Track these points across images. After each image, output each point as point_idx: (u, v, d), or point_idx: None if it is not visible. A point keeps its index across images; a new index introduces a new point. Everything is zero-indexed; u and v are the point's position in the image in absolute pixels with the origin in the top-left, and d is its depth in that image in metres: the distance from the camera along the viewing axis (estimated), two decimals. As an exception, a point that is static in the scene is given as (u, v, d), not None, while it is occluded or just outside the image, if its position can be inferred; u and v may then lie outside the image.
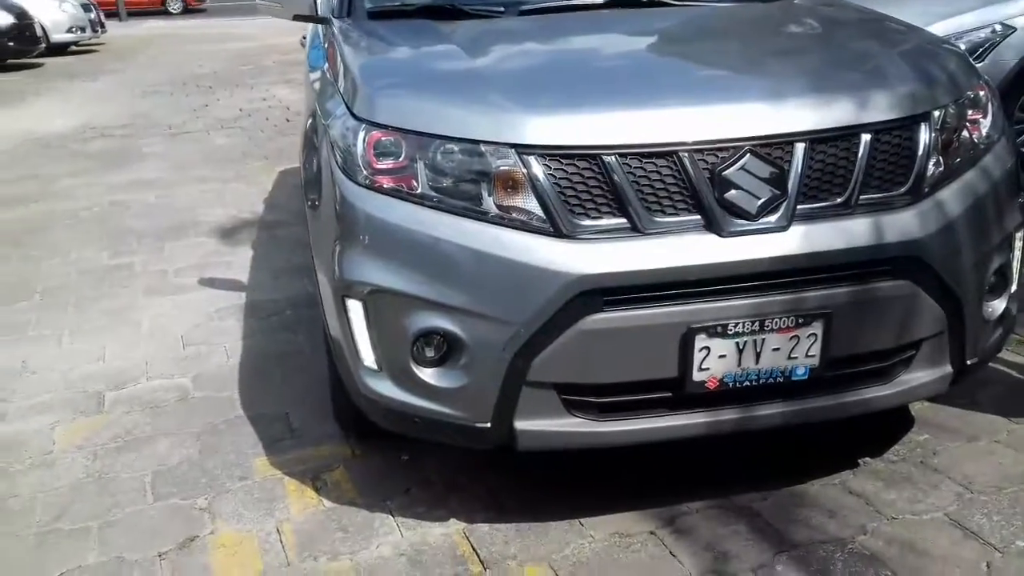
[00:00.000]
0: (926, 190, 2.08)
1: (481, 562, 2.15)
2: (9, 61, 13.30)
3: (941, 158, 2.12)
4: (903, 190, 2.06)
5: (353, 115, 2.16)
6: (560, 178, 1.95)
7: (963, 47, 5.09)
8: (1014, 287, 2.35)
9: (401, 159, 2.06)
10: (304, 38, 4.20)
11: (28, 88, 11.26)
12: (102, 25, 16.37)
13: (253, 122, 8.38)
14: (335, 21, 2.87)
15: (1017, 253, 2.34)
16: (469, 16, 2.77)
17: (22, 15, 13.46)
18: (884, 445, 2.53)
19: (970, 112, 2.25)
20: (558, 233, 1.94)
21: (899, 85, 2.12)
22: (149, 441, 2.77)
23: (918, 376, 2.18)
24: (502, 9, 2.80)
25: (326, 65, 2.74)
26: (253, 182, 6.08)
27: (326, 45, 2.84)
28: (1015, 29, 5.06)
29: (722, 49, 2.52)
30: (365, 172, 2.08)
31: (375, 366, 2.13)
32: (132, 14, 22.67)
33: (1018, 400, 2.71)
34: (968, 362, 2.22)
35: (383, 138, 2.08)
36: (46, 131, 8.21)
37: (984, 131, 2.26)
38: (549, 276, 1.92)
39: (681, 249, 1.94)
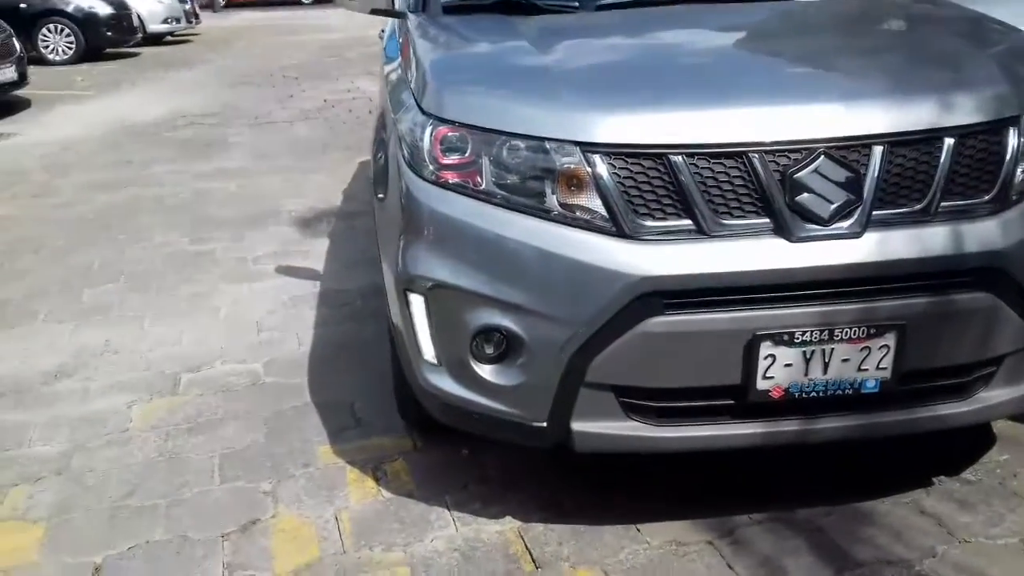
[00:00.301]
0: (1013, 198, 1.98)
1: (533, 561, 2.14)
2: (107, 50, 13.84)
3: (1029, 164, 2.02)
4: (988, 198, 1.97)
5: (421, 110, 2.17)
6: (624, 177, 1.92)
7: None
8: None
9: (467, 155, 2.06)
10: (382, 32, 4.24)
11: (124, 77, 11.70)
12: (196, 16, 16.90)
13: (336, 113, 8.52)
14: (410, 16, 2.89)
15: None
16: (543, 11, 2.75)
17: (120, 5, 13.99)
18: (962, 463, 2.43)
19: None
20: (621, 233, 1.91)
21: (987, 87, 2.03)
22: (219, 424, 2.84)
23: (999, 394, 2.08)
24: (576, 4, 2.77)
25: (399, 59, 2.76)
26: (333, 173, 6.18)
27: (400, 39, 2.86)
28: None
29: (800, 46, 2.45)
30: (431, 167, 2.09)
31: (435, 360, 2.14)
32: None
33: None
34: (1054, 381, 2.11)
35: (449, 133, 2.08)
36: (139, 119, 8.52)
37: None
38: (610, 277, 1.89)
39: (748, 253, 1.89)
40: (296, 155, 6.80)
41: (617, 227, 1.92)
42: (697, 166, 1.90)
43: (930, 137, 1.93)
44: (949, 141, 1.94)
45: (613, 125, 1.94)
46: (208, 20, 19.09)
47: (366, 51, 12.84)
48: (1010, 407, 2.12)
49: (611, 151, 1.92)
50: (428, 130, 2.11)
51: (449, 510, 2.35)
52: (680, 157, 1.90)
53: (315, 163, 6.52)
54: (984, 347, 2.01)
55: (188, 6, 16.24)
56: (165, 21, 15.47)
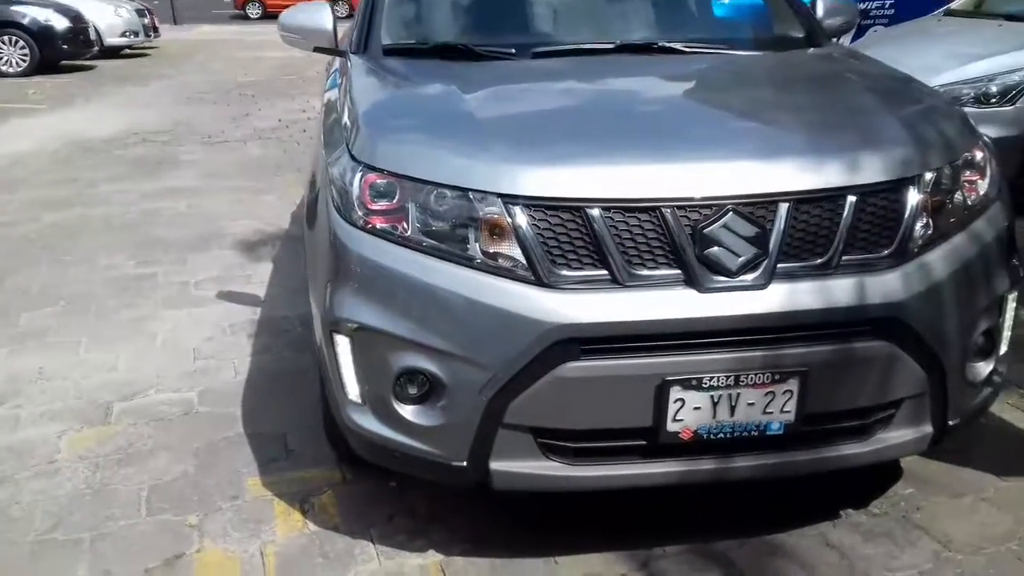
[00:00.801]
0: (913, 252, 2.09)
1: (455, 595, 2.20)
2: (63, 63, 13.69)
3: (931, 220, 2.13)
4: (887, 252, 2.07)
5: (352, 155, 2.23)
6: (544, 228, 2.00)
7: (994, 89, 5.09)
8: (1004, 349, 2.35)
9: (395, 201, 2.12)
10: (328, 66, 4.31)
11: (79, 91, 11.58)
12: (155, 29, 16.78)
13: (290, 133, 8.53)
14: (352, 56, 2.95)
15: (1008, 315, 2.33)
16: (482, 57, 2.83)
17: (77, 18, 13.86)
18: (868, 497, 2.53)
19: (966, 173, 2.26)
20: (539, 282, 1.99)
21: (891, 147, 2.14)
22: (149, 455, 2.85)
23: (897, 435, 2.19)
24: (513, 51, 2.84)
25: (337, 98, 2.82)
26: (283, 195, 6.19)
27: (340, 79, 2.92)
28: (1034, 78, 5.03)
29: (716, 103, 2.55)
30: (359, 212, 2.15)
31: (359, 400, 2.19)
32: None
33: (1009, 458, 2.69)
34: (950, 423, 2.22)
35: (378, 180, 2.14)
36: (92, 135, 8.45)
37: (980, 192, 2.26)
38: (529, 323, 1.96)
39: (659, 302, 1.98)
40: (247, 175, 6.80)
41: (536, 276, 1.99)
42: (612, 219, 1.98)
43: (834, 195, 2.04)
44: (852, 199, 2.04)
45: (533, 178, 2.01)
46: (168, 33, 18.96)
47: (321, 70, 12.84)
48: (908, 448, 2.23)
49: (531, 203, 2.00)
50: (358, 176, 2.17)
51: (374, 543, 2.40)
52: (596, 210, 1.98)
53: (266, 184, 6.53)
54: (883, 392, 2.12)
55: (147, 20, 16.12)
56: (123, 34, 15.34)
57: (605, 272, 1.99)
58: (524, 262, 2.00)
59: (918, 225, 2.10)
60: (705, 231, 1.98)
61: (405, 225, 2.10)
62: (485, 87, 2.55)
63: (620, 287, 1.98)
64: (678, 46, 2.91)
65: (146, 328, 3.88)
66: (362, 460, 2.60)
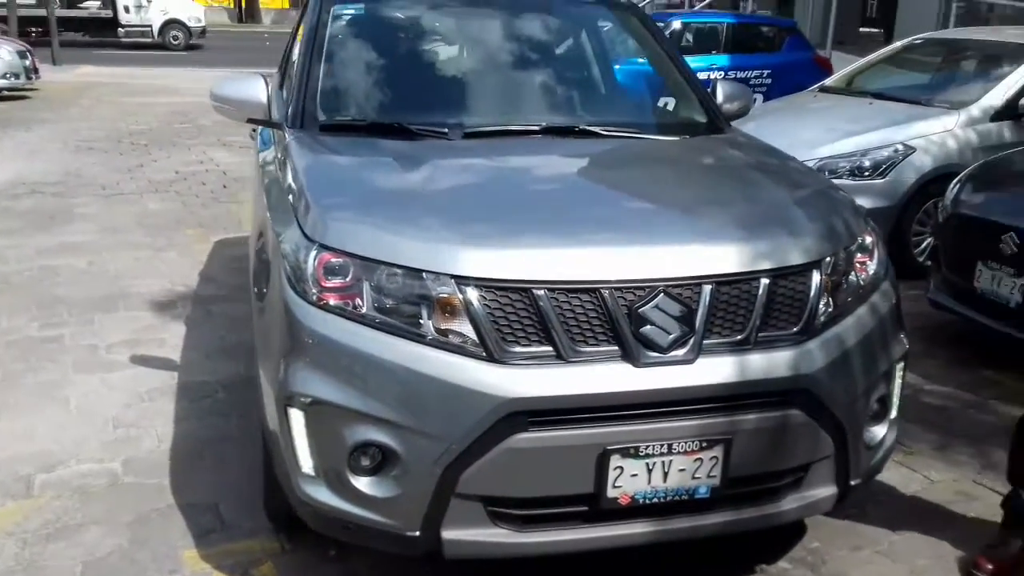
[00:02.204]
0: (817, 328, 2.34)
1: (404, 662, 2.27)
2: (-64, 106, 13.03)
3: (831, 299, 2.39)
4: (796, 329, 2.32)
5: (304, 234, 2.33)
6: (494, 307, 2.15)
7: (867, 163, 5.58)
8: (894, 413, 2.62)
9: (348, 279, 2.23)
10: (254, 131, 4.38)
11: (-44, 136, 11.07)
12: (36, 71, 16.18)
13: (188, 186, 8.40)
14: (288, 130, 3.05)
15: (898, 381, 2.61)
16: (416, 136, 2.97)
17: (-46, 60, 13.25)
18: (779, 552, 2.75)
19: (858, 256, 2.54)
20: (490, 358, 2.13)
21: (798, 235, 2.40)
22: (79, 529, 2.82)
23: (808, 495, 2.41)
24: (446, 130, 3.01)
25: (278, 172, 2.91)
26: (187, 252, 6.13)
27: (279, 154, 3.01)
28: (915, 149, 5.56)
29: (642, 188, 2.78)
30: (314, 289, 2.24)
31: (312, 472, 2.26)
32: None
33: (901, 513, 2.97)
34: (852, 483, 2.46)
35: (332, 259, 2.25)
36: (-26, 185, 8.11)
37: (870, 272, 2.54)
38: (481, 398, 2.10)
39: (600, 377, 2.15)
40: (148, 231, 6.68)
41: (487, 352, 2.13)
42: (556, 299, 2.15)
43: (749, 278, 2.27)
44: (764, 281, 2.28)
45: (484, 261, 2.17)
46: (48, 74, 18.27)
47: (219, 119, 12.61)
48: (817, 507, 2.45)
49: (482, 284, 2.15)
50: (312, 255, 2.27)
51: (319, 613, 2.45)
52: (542, 291, 2.15)
53: (168, 240, 6.43)
54: (794, 456, 2.34)
55: (28, 61, 15.55)
56: (4, 76, 14.74)
57: (550, 348, 2.15)
58: (475, 339, 2.14)
59: (821, 304, 2.36)
60: (639, 310, 2.17)
61: (359, 302, 2.21)
62: (427, 167, 2.71)
63: (564, 362, 2.15)
64: (598, 129, 3.14)
65: (58, 394, 3.80)
66: (300, 529, 2.67)
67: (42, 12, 21.81)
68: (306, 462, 2.26)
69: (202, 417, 3.62)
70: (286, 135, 3.02)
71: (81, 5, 24.76)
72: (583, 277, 2.17)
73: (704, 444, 2.21)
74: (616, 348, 2.18)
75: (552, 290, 2.15)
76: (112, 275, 5.53)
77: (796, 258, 2.35)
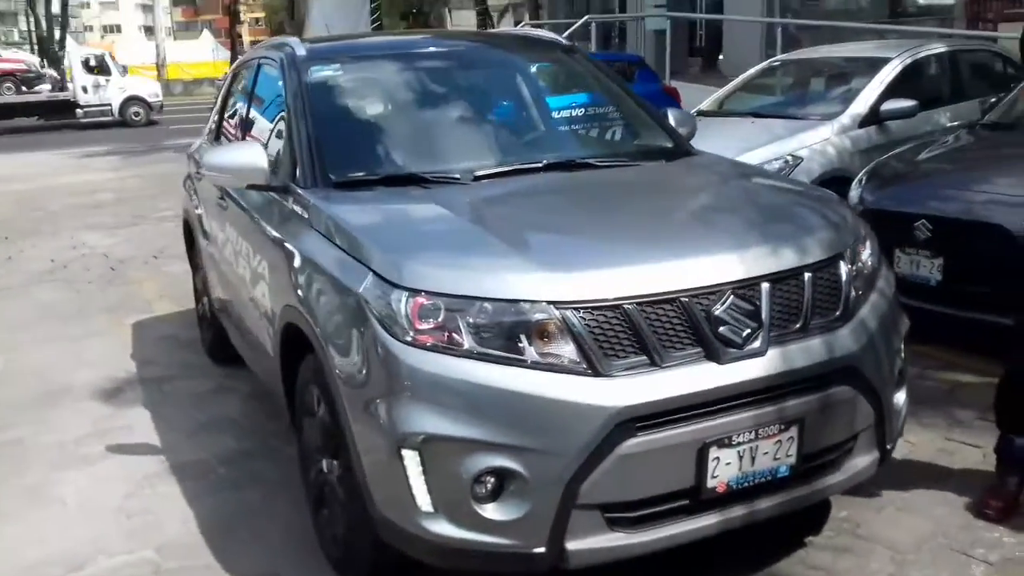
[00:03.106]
0: (851, 312, 2.64)
1: None
2: None
3: (855, 285, 2.70)
4: (837, 314, 2.61)
5: (387, 281, 2.41)
6: (592, 326, 2.31)
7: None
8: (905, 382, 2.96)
9: (442, 318, 2.34)
10: (189, 179, 4.31)
11: None
12: None
13: (72, 273, 7.98)
14: (304, 191, 3.09)
15: (902, 354, 2.95)
16: (430, 183, 3.10)
17: None
18: (818, 525, 3.01)
19: (862, 246, 2.87)
20: (595, 373, 2.29)
21: (820, 232, 2.72)
22: (148, 619, 2.72)
23: (857, 463, 2.69)
24: (458, 176, 3.15)
25: (304, 231, 2.94)
26: (109, 337, 5.86)
27: (295, 214, 3.03)
28: (802, 159, 6.12)
29: (671, 205, 3.04)
30: (411, 333, 2.33)
31: (431, 508, 2.33)
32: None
33: (900, 475, 3.28)
34: (888, 447, 2.77)
35: (425, 302, 2.35)
36: None
37: (873, 260, 2.87)
38: (593, 411, 2.26)
39: (691, 377, 2.35)
40: (53, 323, 6.32)
41: (591, 368, 2.29)
42: (644, 312, 2.34)
43: (796, 273, 2.55)
44: (807, 275, 2.56)
45: (577, 284, 2.34)
46: None
47: (72, 202, 12.16)
48: (866, 473, 2.72)
49: (578, 306, 2.31)
50: (403, 299, 2.36)
51: (438, 651, 2.49)
52: (632, 305, 2.33)
53: (80, 329, 6.12)
54: (848, 428, 2.62)
55: None
56: None
57: (645, 357, 2.34)
58: (577, 358, 2.30)
59: (852, 290, 2.66)
60: (715, 313, 2.40)
61: (458, 338, 2.32)
62: (465, 209, 2.85)
63: (659, 368, 2.34)
64: (592, 161, 3.37)
65: (48, 494, 3.61)
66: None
67: None
68: (424, 499, 2.33)
69: (215, 493, 3.53)
70: (308, 197, 3.05)
71: (34, 90, 25.19)
72: (665, 289, 2.38)
73: (783, 427, 2.45)
74: (700, 349, 2.38)
75: (640, 304, 2.34)
76: (38, 370, 5.22)
77: (825, 251, 2.65)
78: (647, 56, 15.19)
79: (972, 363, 4.25)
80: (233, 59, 41.85)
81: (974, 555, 2.78)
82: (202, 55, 49.18)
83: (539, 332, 2.31)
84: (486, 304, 2.33)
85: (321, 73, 3.60)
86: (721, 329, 2.40)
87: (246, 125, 4.22)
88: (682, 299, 2.38)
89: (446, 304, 2.34)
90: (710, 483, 2.39)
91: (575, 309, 2.31)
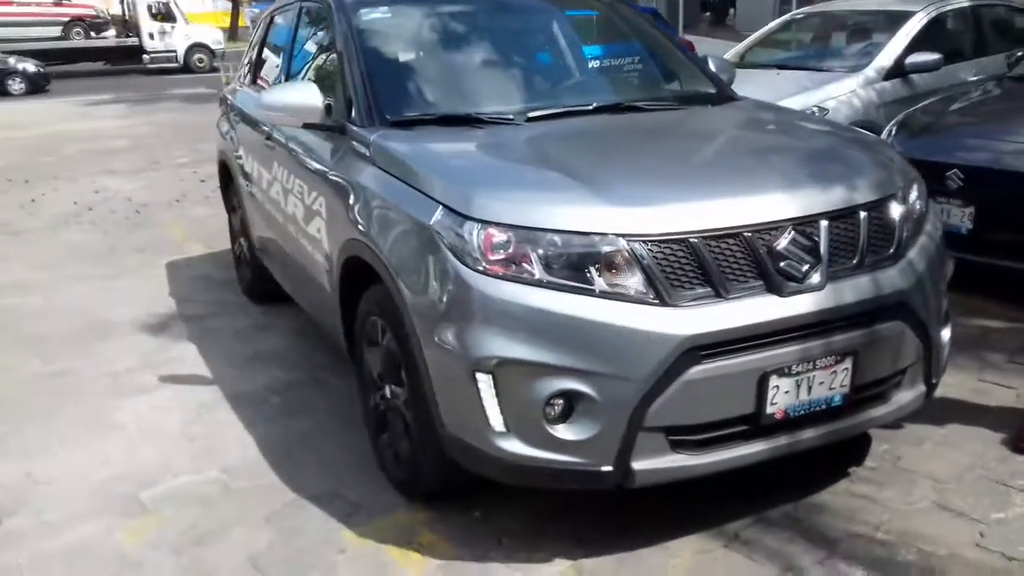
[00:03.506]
0: (903, 250, 2.74)
1: (603, 589, 2.51)
2: None
3: (906, 225, 2.80)
4: (891, 251, 2.71)
5: (460, 214, 2.50)
6: (660, 258, 2.41)
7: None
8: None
9: (515, 249, 2.43)
10: (226, 122, 4.31)
11: None
12: None
13: (99, 215, 8.07)
14: (358, 130, 3.16)
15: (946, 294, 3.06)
16: (484, 124, 3.17)
17: None
18: (860, 457, 3.14)
19: (912, 188, 2.95)
20: (663, 302, 2.39)
21: (874, 173, 2.80)
22: (222, 532, 2.86)
23: (905, 396, 2.81)
24: (512, 117, 3.22)
25: (366, 167, 3.02)
26: (142, 277, 5.97)
27: (362, 148, 3.10)
28: (828, 110, 6.17)
29: (728, 146, 3.12)
30: (483, 263, 2.43)
31: (503, 428, 2.45)
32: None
33: (937, 412, 3.41)
34: (933, 381, 2.88)
35: (497, 232, 2.44)
36: None
37: (920, 204, 2.97)
38: (662, 338, 2.36)
39: (754, 309, 2.46)
40: (84, 263, 6.42)
41: (659, 298, 2.39)
42: (710, 245, 2.44)
43: (853, 211, 2.64)
44: (863, 213, 2.65)
45: (646, 218, 2.43)
46: None
47: (86, 147, 12.20)
48: (913, 405, 2.84)
49: (647, 239, 2.41)
50: (475, 232, 2.45)
51: (504, 563, 2.63)
52: (697, 239, 2.43)
53: (113, 269, 6.22)
54: (898, 361, 2.73)
55: None
56: None
57: (710, 289, 2.44)
58: (644, 288, 2.40)
59: (903, 230, 2.76)
60: (777, 248, 2.49)
61: (529, 268, 2.42)
62: (527, 146, 2.93)
63: (723, 299, 2.44)
64: (641, 104, 3.44)
65: (109, 420, 3.74)
66: (436, 498, 2.86)
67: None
68: (496, 420, 2.45)
69: (271, 421, 3.66)
70: (359, 134, 3.13)
71: (101, 35, 26.08)
72: (729, 224, 2.47)
73: (838, 358, 2.56)
74: (761, 283, 2.49)
75: (705, 238, 2.44)
76: (78, 308, 5.33)
77: (879, 192, 2.74)
78: (660, 10, 15.10)
79: (1002, 309, 4.36)
80: (235, 9, 41.46)
81: (1013, 485, 2.91)
82: (201, 6, 48.65)
83: (608, 263, 2.41)
84: (556, 236, 2.42)
85: (371, 16, 3.65)
86: (782, 264, 2.49)
87: (289, 67, 4.27)
88: (745, 234, 2.47)
89: (517, 236, 2.44)
90: (769, 410, 2.51)
91: (643, 241, 2.41)
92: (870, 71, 6.47)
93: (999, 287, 4.46)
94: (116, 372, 4.27)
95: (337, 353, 4.16)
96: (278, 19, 4.76)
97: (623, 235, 2.41)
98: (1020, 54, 5.85)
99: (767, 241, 2.50)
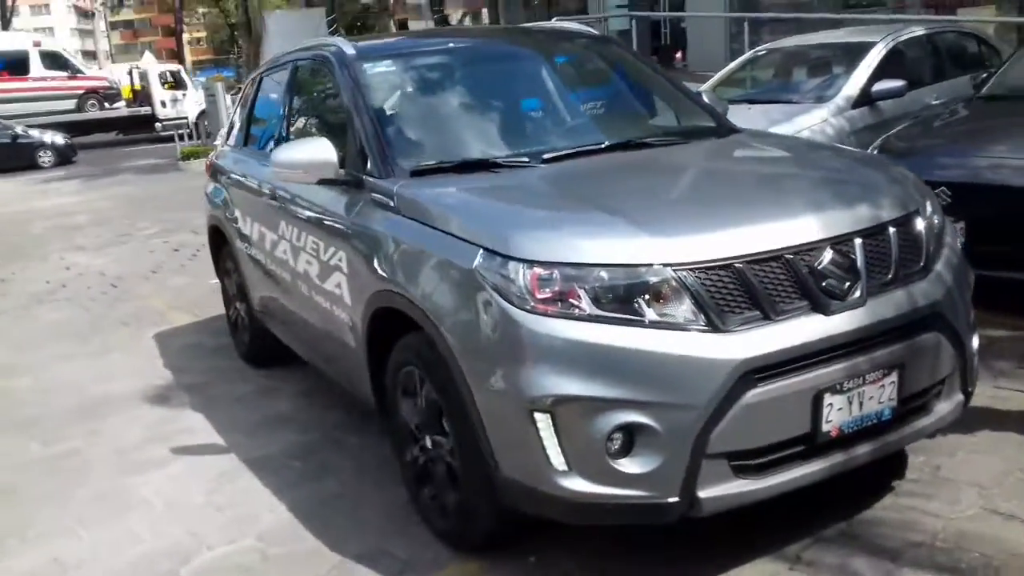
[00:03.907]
0: (932, 263, 2.80)
1: (677, 624, 2.47)
2: None
3: (930, 239, 2.86)
4: (920, 265, 2.76)
5: (503, 256, 2.50)
6: (708, 285, 2.43)
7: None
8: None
9: (562, 286, 2.43)
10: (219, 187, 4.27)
11: None
12: None
13: (74, 292, 7.91)
14: (379, 182, 3.16)
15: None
16: (501, 168, 3.18)
17: None
18: (899, 472, 3.16)
19: (928, 203, 3.02)
20: (715, 328, 2.41)
21: (895, 191, 2.87)
22: (274, 600, 2.77)
23: (945, 406, 2.84)
24: (527, 160, 3.24)
25: (395, 221, 3.01)
26: (133, 350, 5.85)
27: (385, 200, 3.08)
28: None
29: (751, 175, 3.17)
30: (531, 302, 2.43)
31: (564, 467, 2.42)
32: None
33: (963, 421, 3.44)
34: (969, 389, 2.92)
35: (543, 272, 2.44)
36: None
37: (937, 218, 3.03)
38: (719, 364, 2.37)
39: (803, 329, 2.48)
40: (68, 341, 6.27)
41: (711, 324, 2.41)
42: (754, 269, 2.47)
43: (882, 228, 2.69)
44: (892, 229, 2.71)
45: (691, 247, 2.45)
46: None
47: (51, 224, 12.04)
48: (953, 415, 2.87)
49: (693, 267, 2.42)
50: (521, 272, 2.45)
51: (570, 607, 2.59)
52: (742, 264, 2.45)
53: (99, 345, 6.09)
54: (938, 372, 2.77)
55: None
56: None
57: (758, 312, 2.46)
58: (694, 315, 2.41)
59: (929, 243, 2.82)
60: (818, 267, 2.53)
61: (577, 304, 2.42)
62: (556, 185, 2.96)
63: (772, 321, 2.46)
64: (649, 140, 3.50)
65: (130, 497, 3.62)
66: (484, 547, 2.82)
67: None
68: (557, 459, 2.42)
69: (296, 486, 3.58)
70: (380, 186, 3.13)
71: (114, 106, 26.55)
72: (771, 247, 2.50)
73: (885, 372, 2.59)
74: (807, 302, 2.51)
75: (749, 262, 2.47)
76: (70, 387, 5.19)
77: (904, 208, 2.80)
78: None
79: (1002, 319, 4.45)
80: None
81: (1055, 486, 2.95)
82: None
83: (656, 293, 2.42)
84: (602, 271, 2.43)
85: (375, 69, 3.68)
86: (824, 283, 2.53)
87: (288, 126, 4.27)
88: (787, 256, 2.51)
89: (563, 273, 2.44)
90: (824, 428, 2.52)
91: (690, 270, 2.42)
92: (839, 100, 6.65)
93: (997, 298, 4.55)
94: (123, 448, 4.15)
95: (351, 412, 4.13)
96: (268, 79, 4.76)
97: (669, 264, 2.42)
98: (984, 76, 6.07)
99: (808, 261, 2.53)
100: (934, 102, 6.99)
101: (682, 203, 2.80)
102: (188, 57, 45.46)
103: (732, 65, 8.31)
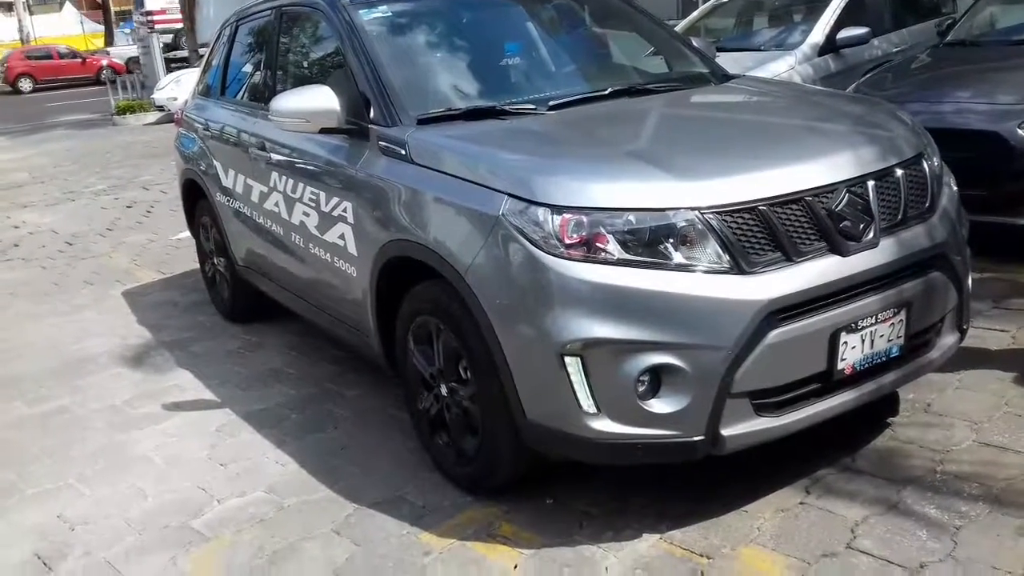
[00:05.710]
0: (936, 204, 2.88)
1: (701, 555, 2.55)
2: None
3: (935, 181, 2.94)
4: (926, 207, 2.84)
5: (530, 202, 2.51)
6: (733, 228, 2.47)
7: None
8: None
9: (590, 231, 2.45)
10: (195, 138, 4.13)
11: None
12: None
13: (28, 251, 7.68)
14: (387, 130, 3.12)
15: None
16: (509, 115, 3.16)
17: None
18: (892, 410, 3.28)
19: (928, 147, 3.10)
20: (740, 271, 2.45)
21: (900, 134, 2.94)
22: (296, 548, 2.78)
23: (945, 342, 2.95)
24: (534, 107, 3.23)
25: (406, 169, 2.98)
26: (102, 309, 5.72)
27: (395, 148, 3.04)
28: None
29: (762, 119, 3.21)
30: (561, 247, 2.45)
31: (594, 409, 2.47)
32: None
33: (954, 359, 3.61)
34: (965, 326, 3.04)
35: (571, 217, 2.46)
36: None
37: (937, 160, 3.12)
38: (744, 305, 2.42)
39: (822, 269, 2.54)
40: (32, 300, 6.10)
41: (737, 266, 2.45)
42: (776, 212, 2.51)
43: (891, 170, 2.76)
44: (900, 171, 2.78)
45: (716, 190, 2.48)
46: None
47: (-8, 183, 11.59)
48: (951, 350, 2.99)
49: (719, 210, 2.46)
50: (550, 217, 2.46)
51: (594, 543, 2.64)
52: (765, 207, 2.50)
53: (66, 304, 5.93)
54: (939, 310, 2.87)
55: None
56: None
57: (780, 254, 2.51)
58: (719, 257, 2.45)
59: (934, 185, 2.90)
60: (836, 209, 2.59)
61: (606, 248, 2.44)
62: (571, 131, 2.96)
63: (793, 263, 2.52)
64: (652, 86, 3.51)
65: (127, 453, 3.58)
66: (503, 491, 2.86)
67: None
68: (587, 401, 2.46)
69: (298, 438, 3.57)
70: (389, 134, 3.09)
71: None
72: (792, 189, 2.55)
73: (895, 311, 2.67)
74: (825, 244, 2.57)
75: (771, 204, 2.51)
76: (44, 346, 5.07)
77: (911, 150, 2.88)
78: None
79: (977, 262, 4.58)
80: (108, 31, 39.78)
81: (1042, 416, 3.11)
82: (70, 29, 46.66)
83: (683, 237, 2.46)
84: (630, 215, 2.46)
85: (372, 15, 3.60)
86: (842, 224, 2.59)
87: (275, 75, 4.16)
88: (807, 198, 2.56)
89: (591, 217, 2.46)
90: (839, 365, 2.60)
91: (716, 213, 2.46)
92: (805, 48, 6.73)
93: (969, 242, 4.70)
94: (115, 406, 4.08)
95: (343, 364, 4.12)
96: (246, 27, 4.63)
97: (696, 208, 2.45)
98: (948, 23, 6.18)
99: (825, 204, 2.59)
100: (895, 49, 7.14)
101: (702, 148, 2.82)
102: (112, 8, 43.53)
103: (695, 13, 8.32)
